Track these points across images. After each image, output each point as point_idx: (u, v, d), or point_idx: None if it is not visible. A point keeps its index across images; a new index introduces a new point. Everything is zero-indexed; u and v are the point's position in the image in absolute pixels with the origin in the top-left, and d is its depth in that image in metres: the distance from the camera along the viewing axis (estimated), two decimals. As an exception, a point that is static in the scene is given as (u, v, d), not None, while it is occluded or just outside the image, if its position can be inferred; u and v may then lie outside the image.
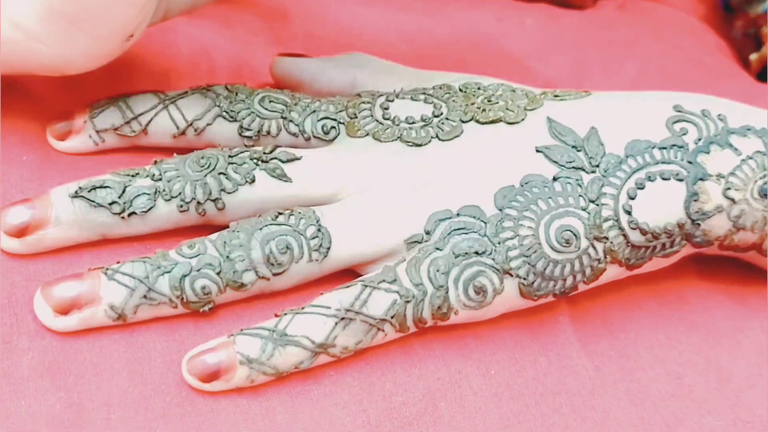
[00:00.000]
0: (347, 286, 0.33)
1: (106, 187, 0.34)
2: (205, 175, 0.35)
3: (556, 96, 0.38)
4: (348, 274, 0.35)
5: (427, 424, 0.33)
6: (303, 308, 0.33)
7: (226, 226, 0.34)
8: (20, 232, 0.33)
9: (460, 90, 0.38)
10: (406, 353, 0.34)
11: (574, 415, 0.34)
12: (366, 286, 0.33)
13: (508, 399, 0.34)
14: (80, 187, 0.34)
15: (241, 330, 0.32)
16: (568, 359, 0.36)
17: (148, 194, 0.34)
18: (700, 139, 0.36)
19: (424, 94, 0.38)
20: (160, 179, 0.35)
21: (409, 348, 0.35)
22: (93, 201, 0.34)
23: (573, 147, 0.36)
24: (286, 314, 0.33)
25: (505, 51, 0.48)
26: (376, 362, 0.34)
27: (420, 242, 0.35)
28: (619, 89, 0.40)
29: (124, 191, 0.34)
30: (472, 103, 0.37)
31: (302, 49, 0.44)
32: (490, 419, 0.33)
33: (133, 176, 0.35)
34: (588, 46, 0.50)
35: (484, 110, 0.37)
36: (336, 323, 0.33)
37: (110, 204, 0.34)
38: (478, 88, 0.38)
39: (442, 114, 0.37)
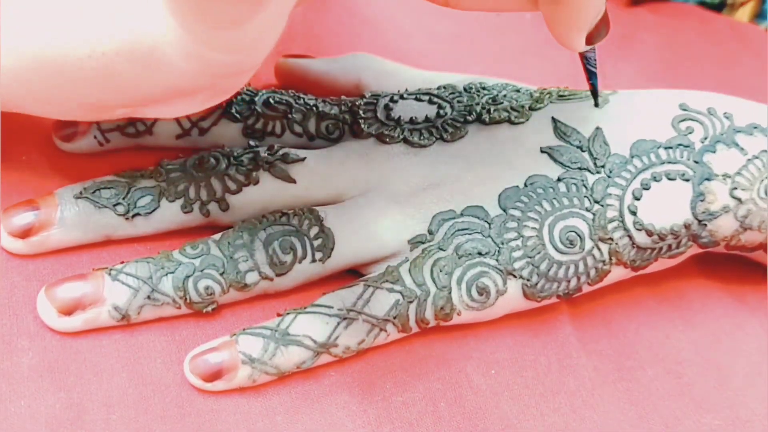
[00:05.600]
0: (350, 286, 0.33)
1: (110, 188, 0.34)
2: (210, 176, 0.35)
3: (561, 96, 0.38)
4: (351, 273, 0.35)
5: (428, 425, 0.33)
6: (305, 308, 0.33)
7: (230, 227, 0.34)
8: (25, 233, 0.33)
9: (465, 90, 0.38)
10: (407, 353, 0.34)
11: (574, 415, 0.34)
12: (369, 285, 0.33)
13: (508, 399, 0.34)
14: (85, 188, 0.34)
15: (243, 329, 0.33)
16: (567, 359, 0.35)
17: (152, 195, 0.34)
18: (706, 138, 0.36)
19: (429, 94, 0.38)
20: (164, 180, 0.34)
21: (409, 347, 0.35)
22: (97, 202, 0.34)
23: (578, 147, 0.36)
24: (288, 314, 0.33)
25: (505, 46, 0.48)
26: (376, 362, 0.34)
27: (423, 242, 0.34)
28: (620, 86, 0.40)
29: (128, 192, 0.34)
30: (477, 104, 0.37)
31: (301, 46, 0.44)
32: (490, 419, 0.33)
33: (137, 177, 0.35)
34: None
35: (488, 111, 0.37)
36: (338, 323, 0.33)
37: (115, 205, 0.34)
38: (483, 88, 0.38)
39: (446, 114, 0.37)
